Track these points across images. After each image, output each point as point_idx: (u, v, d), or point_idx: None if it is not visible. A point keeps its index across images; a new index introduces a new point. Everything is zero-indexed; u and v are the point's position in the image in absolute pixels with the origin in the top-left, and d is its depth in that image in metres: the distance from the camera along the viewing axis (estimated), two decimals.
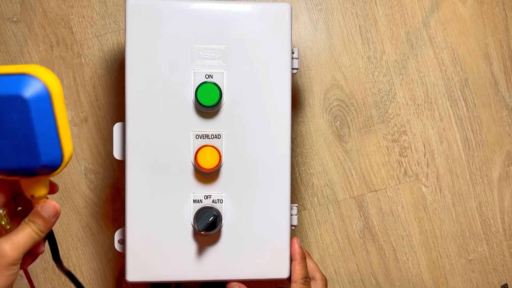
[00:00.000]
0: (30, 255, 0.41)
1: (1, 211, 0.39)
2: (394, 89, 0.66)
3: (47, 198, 0.40)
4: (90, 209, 0.63)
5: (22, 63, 0.62)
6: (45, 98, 0.36)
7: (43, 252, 0.43)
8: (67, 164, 0.39)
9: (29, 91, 0.35)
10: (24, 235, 0.38)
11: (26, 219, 0.40)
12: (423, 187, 0.66)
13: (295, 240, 0.52)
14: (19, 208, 0.44)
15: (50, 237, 0.42)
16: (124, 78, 0.49)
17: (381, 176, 0.66)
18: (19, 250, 0.38)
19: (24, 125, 0.35)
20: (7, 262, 0.37)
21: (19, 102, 0.35)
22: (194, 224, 0.49)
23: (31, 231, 0.39)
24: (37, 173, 0.38)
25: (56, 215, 0.40)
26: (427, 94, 0.66)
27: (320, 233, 0.66)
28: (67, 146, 0.38)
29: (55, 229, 0.53)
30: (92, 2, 0.62)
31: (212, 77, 0.49)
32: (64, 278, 0.63)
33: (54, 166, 0.38)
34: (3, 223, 0.39)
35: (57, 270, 0.63)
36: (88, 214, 0.63)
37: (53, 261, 0.43)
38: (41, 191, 0.39)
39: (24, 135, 0.36)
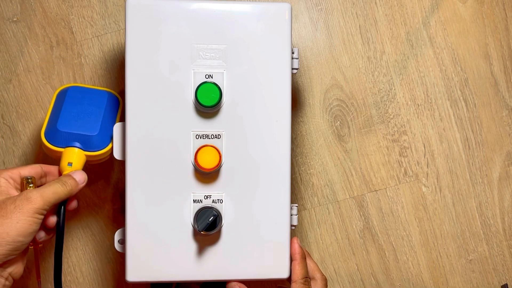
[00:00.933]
0: (47, 230, 0.47)
1: (30, 178, 0.46)
2: (394, 89, 0.66)
3: None
4: (90, 209, 0.63)
5: (22, 63, 0.62)
6: (117, 102, 0.55)
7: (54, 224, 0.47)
8: (104, 154, 0.52)
9: (108, 94, 0.55)
10: (51, 189, 0.44)
11: (56, 179, 0.46)
12: (423, 187, 0.66)
13: (295, 240, 0.52)
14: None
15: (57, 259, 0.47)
16: (124, 78, 0.49)
17: (381, 176, 0.66)
18: (45, 200, 0.42)
19: (97, 108, 0.53)
20: (33, 208, 0.41)
21: (101, 95, 0.54)
22: (194, 224, 0.49)
23: (59, 186, 0.44)
24: (86, 145, 0.50)
25: (84, 181, 0.48)
26: (427, 94, 0.66)
27: (320, 233, 0.66)
28: (111, 142, 0.52)
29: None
30: (92, 2, 0.62)
31: (212, 77, 0.49)
32: (64, 278, 0.63)
33: (100, 145, 0.51)
34: (31, 186, 0.45)
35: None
36: (88, 214, 0.63)
37: (53, 261, 0.44)
38: (79, 163, 0.50)
39: (94, 114, 0.52)
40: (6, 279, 0.43)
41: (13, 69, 0.62)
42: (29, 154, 0.62)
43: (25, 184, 0.46)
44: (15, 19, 0.62)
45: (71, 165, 0.48)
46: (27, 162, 0.62)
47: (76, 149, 0.50)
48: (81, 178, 0.47)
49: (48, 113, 0.52)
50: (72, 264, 0.63)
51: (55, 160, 0.52)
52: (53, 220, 0.46)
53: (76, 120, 0.50)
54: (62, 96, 0.52)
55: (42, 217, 0.42)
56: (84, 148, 0.50)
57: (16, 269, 0.44)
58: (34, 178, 0.47)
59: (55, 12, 0.62)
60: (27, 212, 0.41)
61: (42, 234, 0.47)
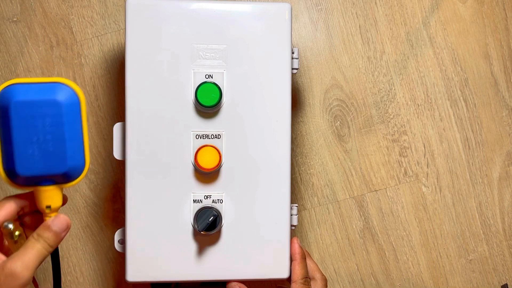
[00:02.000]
0: None
1: (10, 226, 0.38)
2: (394, 89, 0.66)
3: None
4: (90, 209, 0.63)
5: (22, 63, 0.62)
6: (76, 104, 0.39)
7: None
8: (85, 175, 0.41)
9: (63, 96, 0.39)
10: (34, 253, 0.37)
11: (34, 234, 0.38)
12: (423, 187, 0.66)
13: (295, 240, 0.52)
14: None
15: (54, 262, 0.42)
16: (124, 78, 0.49)
17: (381, 176, 0.66)
18: (30, 270, 0.36)
19: (56, 129, 0.38)
20: (20, 284, 0.36)
21: (54, 106, 0.38)
22: (194, 224, 0.49)
23: (40, 247, 0.38)
24: (58, 180, 0.40)
25: (67, 229, 0.40)
26: (427, 94, 0.66)
27: (320, 233, 0.66)
28: (88, 156, 0.41)
29: None
30: (92, 2, 0.62)
31: (212, 77, 0.49)
32: (64, 278, 0.63)
33: (76, 173, 0.40)
34: (16, 233, 0.39)
35: None
36: (88, 214, 0.63)
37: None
38: (57, 201, 0.40)
39: (54, 140, 0.38)
40: None
41: (13, 69, 0.62)
42: None
43: (8, 237, 0.39)
44: (15, 19, 0.62)
45: (50, 207, 0.40)
46: None
47: (50, 187, 0.40)
48: (61, 226, 0.39)
49: None
50: (72, 264, 0.63)
51: None
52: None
53: (37, 155, 0.38)
54: (5, 114, 0.38)
55: (31, 286, 0.37)
56: (58, 182, 0.40)
57: None
58: (14, 225, 0.39)
59: (55, 12, 0.62)
60: (16, 286, 0.36)
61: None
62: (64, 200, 0.42)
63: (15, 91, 0.38)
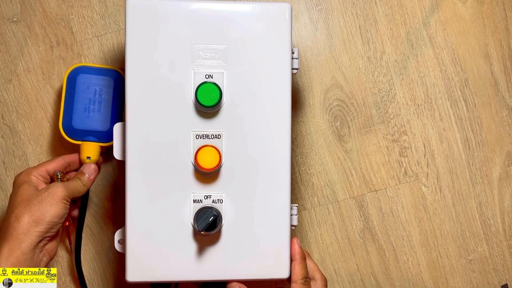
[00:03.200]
0: (75, 203, 0.59)
1: (59, 174, 0.55)
2: (394, 89, 0.66)
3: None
4: (90, 209, 0.63)
5: (22, 63, 0.62)
6: (122, 86, 0.57)
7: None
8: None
9: (114, 76, 0.58)
10: (72, 184, 0.53)
11: (75, 176, 0.56)
12: (423, 187, 0.66)
13: (295, 240, 0.52)
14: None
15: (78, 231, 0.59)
16: (124, 78, 0.49)
17: (381, 176, 0.66)
18: (68, 191, 0.52)
19: (106, 98, 0.57)
20: (59, 196, 0.50)
21: (108, 81, 0.58)
22: (194, 224, 0.49)
23: (78, 182, 0.54)
24: (100, 138, 0.57)
25: (95, 173, 0.57)
26: (427, 94, 0.66)
27: (320, 233, 0.66)
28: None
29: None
30: (92, 2, 0.62)
31: (212, 77, 0.49)
32: (64, 278, 0.63)
33: (112, 136, 0.54)
34: (65, 179, 0.56)
35: (57, 270, 0.63)
36: (88, 214, 0.63)
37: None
38: (95, 155, 0.57)
39: (103, 105, 0.57)
40: (44, 255, 0.51)
41: (13, 69, 0.62)
42: (29, 154, 0.62)
43: (55, 179, 0.55)
44: (15, 19, 0.62)
45: (89, 158, 0.57)
46: (27, 162, 0.62)
47: (92, 143, 0.57)
48: (90, 170, 0.56)
49: (62, 102, 0.57)
50: (72, 264, 0.63)
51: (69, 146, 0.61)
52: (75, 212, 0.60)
53: (88, 115, 0.57)
54: (72, 83, 0.57)
55: (68, 203, 0.51)
56: (99, 140, 0.57)
57: (52, 246, 0.53)
58: (62, 173, 0.55)
59: (55, 12, 0.62)
60: (58, 198, 0.50)
61: (76, 212, 0.59)
62: (99, 162, 0.59)
63: (82, 69, 0.57)
